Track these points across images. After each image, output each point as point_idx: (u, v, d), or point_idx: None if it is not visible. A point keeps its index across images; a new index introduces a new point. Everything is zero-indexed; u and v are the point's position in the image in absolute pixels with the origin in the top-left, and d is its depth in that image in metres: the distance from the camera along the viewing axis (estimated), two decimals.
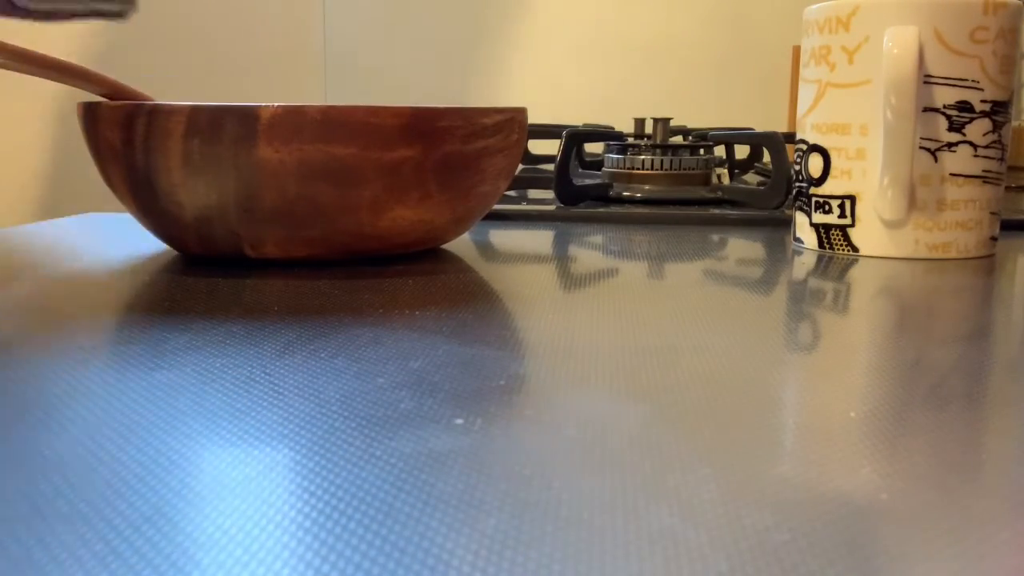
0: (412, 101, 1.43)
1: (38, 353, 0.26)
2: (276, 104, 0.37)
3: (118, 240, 0.49)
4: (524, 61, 1.39)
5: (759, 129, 0.94)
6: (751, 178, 0.81)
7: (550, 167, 0.90)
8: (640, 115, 1.34)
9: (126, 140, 0.38)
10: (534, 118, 1.38)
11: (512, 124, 0.42)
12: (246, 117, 0.36)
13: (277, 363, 0.25)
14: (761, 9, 1.35)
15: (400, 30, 1.40)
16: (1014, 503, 0.17)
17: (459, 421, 0.21)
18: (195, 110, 0.37)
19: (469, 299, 0.34)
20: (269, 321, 0.31)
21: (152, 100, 0.41)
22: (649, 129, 1.23)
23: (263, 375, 0.24)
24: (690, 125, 1.26)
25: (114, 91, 0.42)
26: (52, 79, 0.39)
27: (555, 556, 0.15)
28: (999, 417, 0.21)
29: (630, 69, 1.37)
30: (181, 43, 1.40)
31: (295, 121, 0.36)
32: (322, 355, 0.26)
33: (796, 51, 1.16)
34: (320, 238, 0.39)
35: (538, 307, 0.33)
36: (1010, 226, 0.56)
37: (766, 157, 0.96)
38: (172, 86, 1.40)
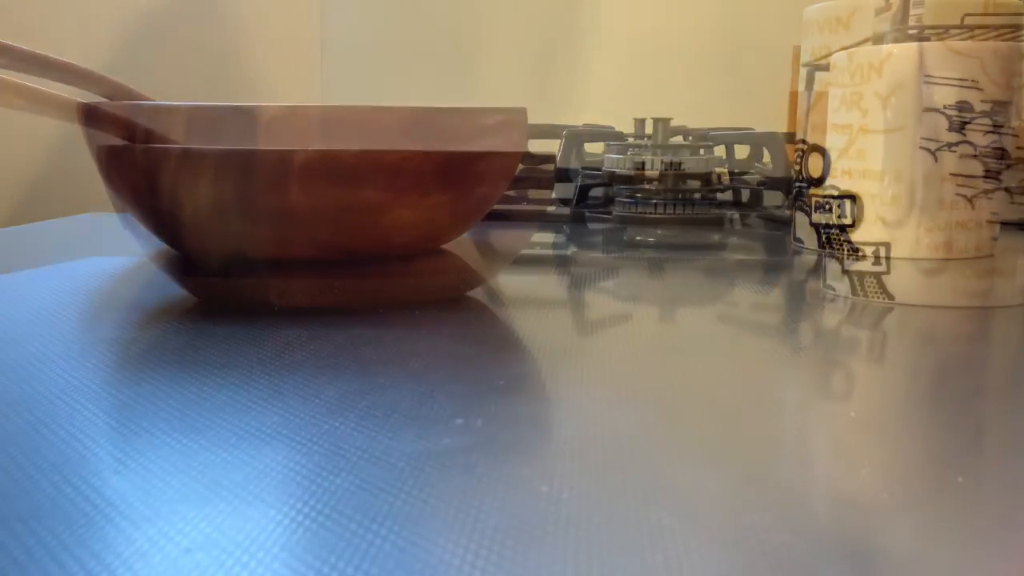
0: (412, 101, 1.43)
1: (38, 352, 0.26)
2: (276, 104, 0.37)
3: (118, 240, 0.49)
4: (524, 61, 1.39)
5: (759, 129, 0.94)
6: (751, 178, 0.81)
7: (550, 167, 0.90)
8: (640, 115, 1.34)
9: (126, 140, 0.38)
10: (534, 118, 1.37)
11: (512, 124, 0.42)
12: (246, 117, 0.36)
13: (277, 363, 0.25)
14: (761, 9, 1.35)
15: (400, 30, 1.40)
16: (1014, 503, 0.17)
17: (459, 421, 0.21)
18: (195, 110, 0.37)
19: (469, 299, 0.34)
20: (269, 321, 0.30)
21: (152, 100, 0.41)
22: (649, 129, 1.23)
23: (263, 375, 0.24)
24: (690, 125, 1.26)
25: (114, 91, 0.42)
26: (52, 79, 0.39)
27: (555, 556, 0.15)
28: (999, 417, 0.21)
29: (630, 69, 1.37)
30: (181, 42, 1.40)
31: (295, 121, 0.36)
32: (322, 355, 0.26)
33: (796, 51, 1.16)
34: (320, 238, 0.39)
35: (538, 307, 0.33)
36: (1010, 226, 0.56)
37: (766, 157, 0.96)
38: (172, 86, 1.40)
